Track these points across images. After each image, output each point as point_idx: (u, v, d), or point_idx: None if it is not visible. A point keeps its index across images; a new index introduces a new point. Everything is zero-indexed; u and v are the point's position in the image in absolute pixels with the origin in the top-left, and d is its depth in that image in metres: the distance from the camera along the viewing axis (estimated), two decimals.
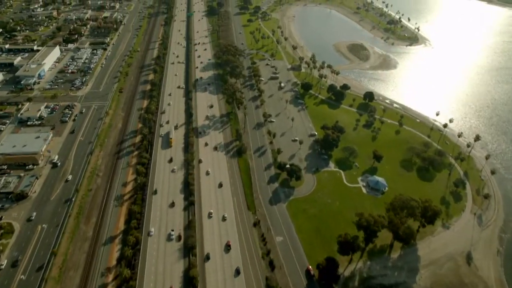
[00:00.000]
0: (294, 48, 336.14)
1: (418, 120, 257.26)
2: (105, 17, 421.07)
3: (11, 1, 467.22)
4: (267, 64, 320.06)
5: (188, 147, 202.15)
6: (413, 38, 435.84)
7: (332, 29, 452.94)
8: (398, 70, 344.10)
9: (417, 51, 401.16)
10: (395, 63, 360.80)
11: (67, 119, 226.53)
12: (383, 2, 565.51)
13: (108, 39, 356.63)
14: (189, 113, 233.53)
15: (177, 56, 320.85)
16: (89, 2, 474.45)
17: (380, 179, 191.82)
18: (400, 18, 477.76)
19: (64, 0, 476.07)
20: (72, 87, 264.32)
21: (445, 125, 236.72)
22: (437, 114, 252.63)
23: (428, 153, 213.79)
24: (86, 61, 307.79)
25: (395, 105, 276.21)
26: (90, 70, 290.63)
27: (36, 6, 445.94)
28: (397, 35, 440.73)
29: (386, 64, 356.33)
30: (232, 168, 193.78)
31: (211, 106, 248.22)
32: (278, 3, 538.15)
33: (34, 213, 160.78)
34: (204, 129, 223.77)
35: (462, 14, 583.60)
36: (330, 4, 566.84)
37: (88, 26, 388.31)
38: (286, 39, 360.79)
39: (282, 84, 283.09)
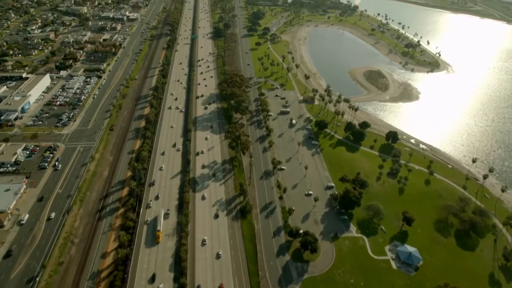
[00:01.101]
0: (307, 77, 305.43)
1: (450, 166, 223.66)
2: (105, 40, 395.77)
3: (8, 22, 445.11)
4: (277, 95, 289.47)
5: (183, 206, 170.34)
6: (434, 63, 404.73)
7: (346, 53, 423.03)
8: (421, 102, 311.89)
9: (439, 78, 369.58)
10: (416, 93, 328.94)
11: (46, 164, 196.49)
12: (399, 24, 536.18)
13: (105, 65, 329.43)
14: (186, 160, 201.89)
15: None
16: (90, 23, 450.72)
17: (412, 249, 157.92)
18: (419, 41, 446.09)
19: (64, 21, 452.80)
20: (58, 124, 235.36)
21: (485, 176, 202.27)
22: (474, 161, 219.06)
23: (467, 212, 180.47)
24: (78, 91, 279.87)
25: (421, 146, 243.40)
26: (80, 102, 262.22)
27: (34, 27, 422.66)
28: (417, 60, 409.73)
29: (407, 94, 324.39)
30: (234, 235, 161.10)
31: (212, 148, 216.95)
32: (288, 24, 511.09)
33: None
34: (203, 180, 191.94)
35: (482, 35, 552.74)
36: (342, 25, 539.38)
37: (85, 50, 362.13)
38: (297, 66, 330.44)
39: (294, 121, 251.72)
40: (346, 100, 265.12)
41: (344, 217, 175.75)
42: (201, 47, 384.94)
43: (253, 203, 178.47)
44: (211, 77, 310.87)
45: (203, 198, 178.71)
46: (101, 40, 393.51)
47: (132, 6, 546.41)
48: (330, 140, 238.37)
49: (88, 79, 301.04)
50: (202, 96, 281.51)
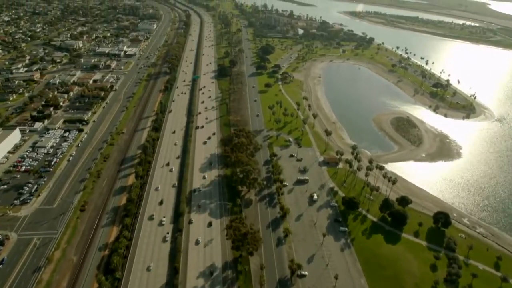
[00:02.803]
0: (328, 134, 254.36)
1: None
2: (95, 81, 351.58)
3: None
4: (292, 156, 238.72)
5: None
6: (469, 107, 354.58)
7: (367, 94, 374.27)
8: (464, 160, 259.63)
9: (478, 126, 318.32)
10: (456, 147, 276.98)
11: None
12: (422, 58, 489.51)
13: (90, 113, 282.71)
14: (173, 268, 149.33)
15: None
16: (81, 60, 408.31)
17: None
18: (448, 80, 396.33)
19: (54, 58, 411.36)
20: (16, 200, 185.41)
21: None
22: None
23: None
24: (51, 150, 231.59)
25: (478, 230, 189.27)
26: (50, 167, 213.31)
27: (19, 65, 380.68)
28: (448, 103, 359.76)
29: (446, 149, 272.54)
30: None
31: (210, 243, 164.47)
32: (301, 59, 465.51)
33: None
34: None
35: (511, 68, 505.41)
36: (359, 60, 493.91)
37: (71, 93, 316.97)
38: (315, 116, 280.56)
39: (315, 196, 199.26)
40: (380, 168, 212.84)
41: None
42: (203, 93, 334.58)
43: None
44: (213, 134, 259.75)
45: None
46: (91, 81, 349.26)
47: (131, 40, 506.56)
48: (363, 223, 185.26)
49: (67, 133, 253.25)
50: (202, 146, 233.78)
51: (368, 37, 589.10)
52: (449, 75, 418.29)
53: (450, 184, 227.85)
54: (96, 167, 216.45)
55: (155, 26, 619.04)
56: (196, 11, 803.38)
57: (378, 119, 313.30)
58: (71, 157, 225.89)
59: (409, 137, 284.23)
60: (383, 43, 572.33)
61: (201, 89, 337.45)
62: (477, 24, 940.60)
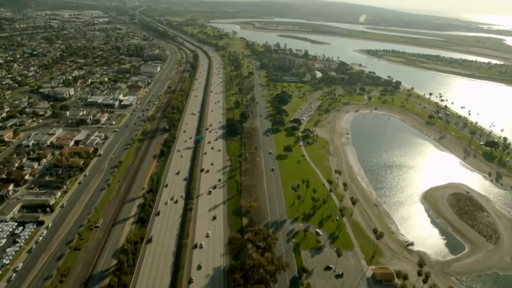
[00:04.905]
0: (379, 237, 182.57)
1: None
2: (77, 142, 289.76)
3: None
4: (328, 268, 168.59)
5: None
6: None
7: (409, 157, 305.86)
8: None
9: None
10: None
11: None
12: (462, 108, 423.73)
13: (59, 193, 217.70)
14: None
15: None
16: (67, 113, 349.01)
17: None
18: (505, 138, 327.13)
19: (36, 111, 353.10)
20: None
21: None
22: None
23: None
24: None
25: None
26: None
27: None
28: (510, 169, 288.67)
29: None
30: None
31: None
32: (323, 111, 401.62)
33: None
34: None
35: None
36: (388, 109, 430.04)
37: (44, 161, 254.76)
38: (354, 202, 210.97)
39: None
40: None
41: None
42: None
43: None
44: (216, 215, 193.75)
45: None
46: (72, 142, 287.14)
47: (129, 87, 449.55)
48: None
49: (21, 228, 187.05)
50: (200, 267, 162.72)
51: (394, 81, 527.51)
52: (502, 130, 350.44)
53: None
54: None
55: (158, 68, 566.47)
56: (205, 51, 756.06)
57: (430, 197, 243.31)
58: (14, 274, 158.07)
59: (479, 227, 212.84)
60: (412, 88, 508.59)
61: (205, 157, 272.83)
62: (502, 63, 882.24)
